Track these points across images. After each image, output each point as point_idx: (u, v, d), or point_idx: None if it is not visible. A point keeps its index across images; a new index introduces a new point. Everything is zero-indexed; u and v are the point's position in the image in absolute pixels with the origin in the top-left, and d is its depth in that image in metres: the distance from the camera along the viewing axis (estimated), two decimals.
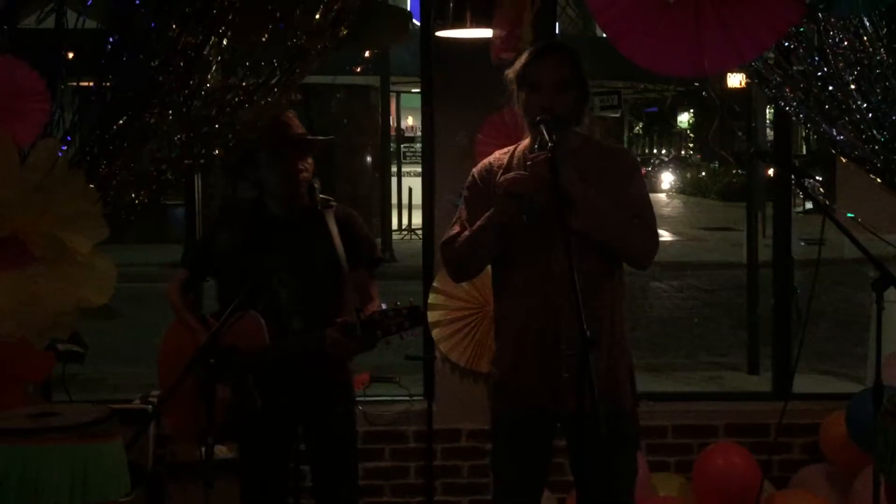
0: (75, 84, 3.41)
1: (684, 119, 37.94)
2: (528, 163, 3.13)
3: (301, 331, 3.54)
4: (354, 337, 3.41)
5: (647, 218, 3.28)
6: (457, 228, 3.37)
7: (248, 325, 3.46)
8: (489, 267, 3.40)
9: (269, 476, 3.68)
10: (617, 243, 3.21)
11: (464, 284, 4.84)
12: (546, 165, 3.03)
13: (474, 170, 3.44)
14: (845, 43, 3.63)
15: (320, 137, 3.77)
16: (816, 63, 3.72)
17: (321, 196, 3.72)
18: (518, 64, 3.31)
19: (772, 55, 3.85)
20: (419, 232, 5.44)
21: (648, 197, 3.37)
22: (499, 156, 3.42)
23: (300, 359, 3.52)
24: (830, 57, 3.68)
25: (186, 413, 3.53)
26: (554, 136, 3.11)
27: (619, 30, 3.05)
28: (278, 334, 3.52)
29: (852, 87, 3.70)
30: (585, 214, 3.12)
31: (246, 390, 3.47)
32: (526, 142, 3.36)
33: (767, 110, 11.77)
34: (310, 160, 3.64)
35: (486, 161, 3.44)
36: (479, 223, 3.25)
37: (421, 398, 5.09)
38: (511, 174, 3.18)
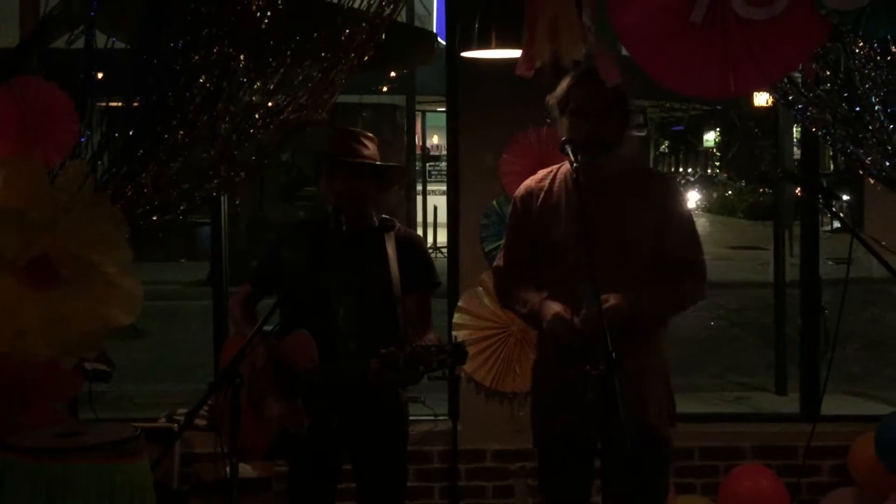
0: (104, 105, 3.44)
1: (710, 138, 37.82)
2: (578, 320, 3.15)
3: (347, 357, 3.49)
4: (396, 369, 3.34)
5: (697, 264, 3.33)
6: (502, 259, 3.43)
7: (299, 344, 3.45)
8: None
9: (317, 497, 3.67)
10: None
11: (488, 304, 4.86)
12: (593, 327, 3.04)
13: (515, 195, 3.45)
14: (871, 63, 3.62)
15: (379, 163, 3.64)
16: (842, 83, 3.71)
17: (384, 216, 3.71)
18: (560, 89, 3.29)
19: (798, 75, 3.84)
20: (444, 250, 5.43)
21: (695, 228, 3.37)
22: (540, 177, 3.42)
23: (348, 383, 3.49)
24: (857, 77, 3.66)
25: (246, 431, 3.49)
26: (579, 157, 3.12)
27: (645, 50, 3.05)
28: (332, 356, 3.46)
29: (878, 107, 3.68)
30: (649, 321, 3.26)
31: (295, 409, 3.45)
32: (566, 165, 3.37)
33: (794, 129, 11.71)
34: (363, 184, 3.58)
35: (527, 184, 3.43)
36: (528, 305, 3.31)
37: (446, 418, 5.09)
38: (561, 329, 3.18)
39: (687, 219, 3.37)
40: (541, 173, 3.45)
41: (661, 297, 3.24)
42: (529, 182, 3.43)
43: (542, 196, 3.35)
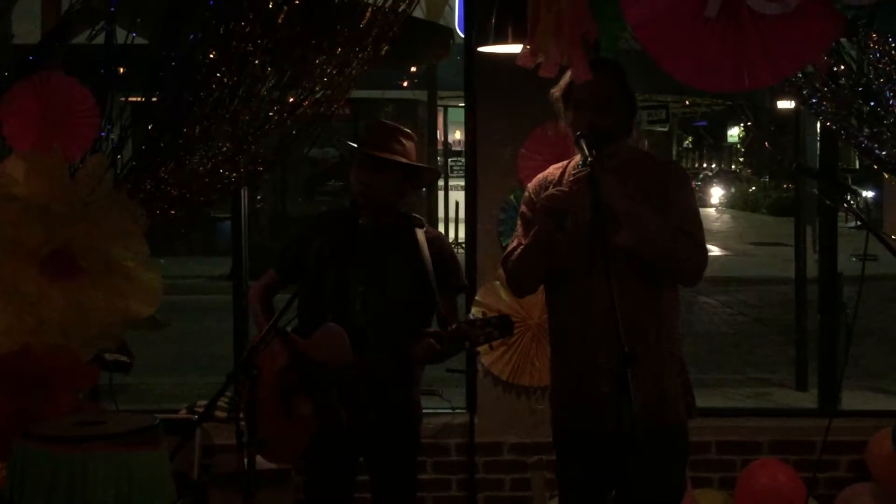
0: (124, 99, 3.49)
1: (734, 133, 37.65)
2: (570, 179, 3.16)
3: (369, 350, 3.49)
4: (441, 345, 3.36)
5: (695, 234, 3.24)
6: (514, 244, 3.39)
7: (330, 339, 3.45)
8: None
9: (335, 491, 3.69)
10: (663, 259, 3.19)
11: (506, 298, 4.87)
12: (585, 182, 3.05)
13: (529, 185, 3.46)
14: (886, 58, 3.61)
15: (405, 161, 3.60)
16: (856, 79, 3.71)
17: (414, 215, 3.71)
18: (563, 82, 3.32)
19: (812, 70, 3.84)
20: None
21: (698, 212, 3.35)
22: (552, 170, 3.45)
23: (376, 377, 3.48)
24: (872, 72, 3.66)
25: (279, 437, 3.50)
26: (594, 152, 3.13)
27: (659, 45, 3.05)
28: (352, 347, 3.45)
29: (893, 102, 3.67)
30: (630, 229, 3.13)
31: (331, 405, 3.43)
32: (577, 158, 3.38)
33: (818, 124, 11.64)
34: (388, 179, 3.57)
35: (539, 176, 3.46)
36: (527, 240, 3.28)
37: (463, 411, 5.11)
38: (551, 191, 3.20)
39: (692, 203, 3.35)
40: (552, 167, 3.47)
41: (665, 224, 3.15)
42: (542, 175, 3.45)
43: (551, 188, 3.36)
